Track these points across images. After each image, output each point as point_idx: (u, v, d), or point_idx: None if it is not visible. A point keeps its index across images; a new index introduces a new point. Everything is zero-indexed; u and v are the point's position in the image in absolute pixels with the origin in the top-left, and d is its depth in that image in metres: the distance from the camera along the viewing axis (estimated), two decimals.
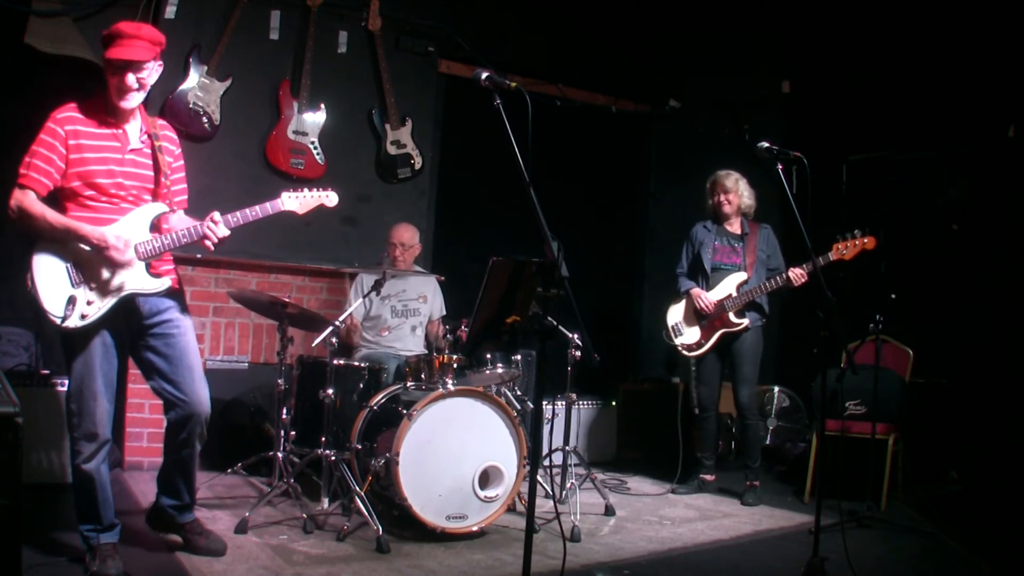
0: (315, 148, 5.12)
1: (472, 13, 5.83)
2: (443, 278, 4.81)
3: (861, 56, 5.79)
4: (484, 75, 2.53)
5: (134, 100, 2.90)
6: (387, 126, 5.41)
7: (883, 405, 4.49)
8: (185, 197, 3.16)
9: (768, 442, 5.76)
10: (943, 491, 4.93)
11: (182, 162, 3.15)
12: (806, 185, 3.21)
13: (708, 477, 4.90)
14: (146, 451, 4.66)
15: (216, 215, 2.97)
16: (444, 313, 4.93)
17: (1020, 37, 5.11)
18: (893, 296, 4.62)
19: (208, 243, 2.96)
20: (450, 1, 5.71)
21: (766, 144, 3.38)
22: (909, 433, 4.73)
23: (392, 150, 5.43)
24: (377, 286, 4.20)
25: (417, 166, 5.50)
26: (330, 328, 3.90)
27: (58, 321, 2.78)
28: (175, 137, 3.14)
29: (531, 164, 2.44)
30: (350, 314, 4.53)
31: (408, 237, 4.78)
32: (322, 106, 5.15)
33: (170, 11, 4.70)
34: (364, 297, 4.50)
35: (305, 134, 5.10)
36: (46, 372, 4.21)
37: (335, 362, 3.90)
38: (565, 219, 5.08)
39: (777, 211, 5.17)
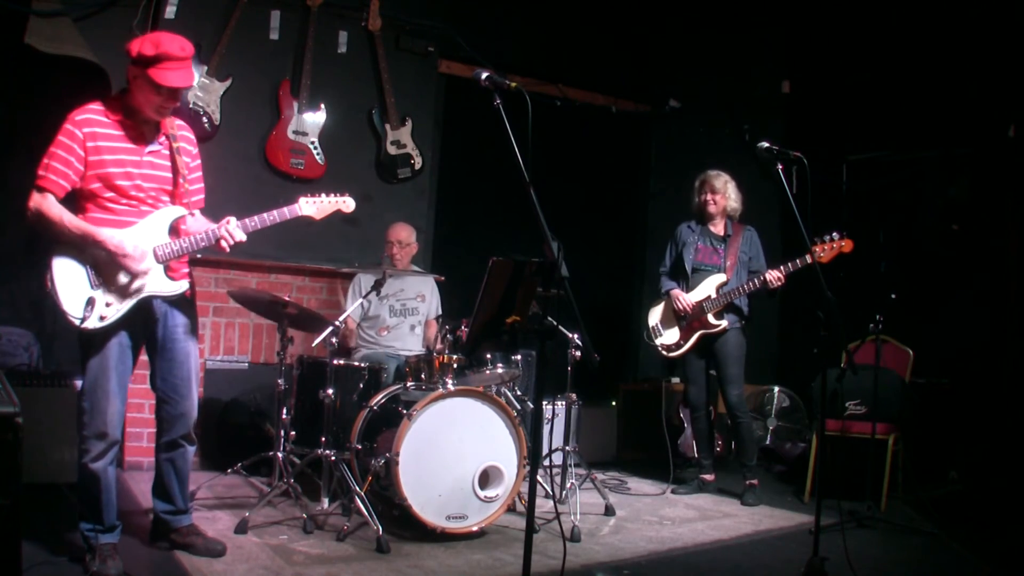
0: (315, 148, 5.12)
1: (472, 13, 5.83)
2: (442, 278, 4.81)
3: (861, 56, 5.79)
4: (484, 75, 2.53)
5: (167, 114, 2.97)
6: (387, 126, 5.41)
7: (883, 405, 4.48)
8: (202, 196, 3.19)
9: (768, 442, 5.76)
10: (943, 491, 4.93)
11: (199, 162, 3.17)
12: (806, 185, 3.21)
13: (708, 477, 4.90)
14: (146, 451, 4.65)
15: (232, 220, 3.00)
16: (440, 313, 4.92)
17: (1020, 37, 5.11)
18: (893, 296, 4.62)
19: (224, 244, 2.99)
20: (450, 1, 5.70)
21: (766, 144, 3.38)
22: (909, 433, 4.73)
23: (392, 150, 5.44)
24: (377, 286, 4.20)
25: (417, 166, 5.50)
26: (330, 328, 3.91)
27: (77, 322, 2.81)
28: (192, 137, 3.15)
29: (531, 164, 2.44)
30: (348, 315, 4.53)
31: (405, 235, 4.79)
32: (322, 106, 5.15)
33: (170, 11, 4.70)
34: (364, 297, 4.50)
35: (305, 134, 5.10)
36: (46, 372, 4.21)
37: (335, 362, 3.90)
38: (565, 219, 5.07)
39: (777, 211, 5.18)
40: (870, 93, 5.76)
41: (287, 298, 3.89)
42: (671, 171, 6.92)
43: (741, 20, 6.35)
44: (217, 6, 4.87)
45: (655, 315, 4.94)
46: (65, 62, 4.44)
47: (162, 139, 3.00)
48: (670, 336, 4.83)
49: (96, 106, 2.90)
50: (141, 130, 2.95)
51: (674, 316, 4.81)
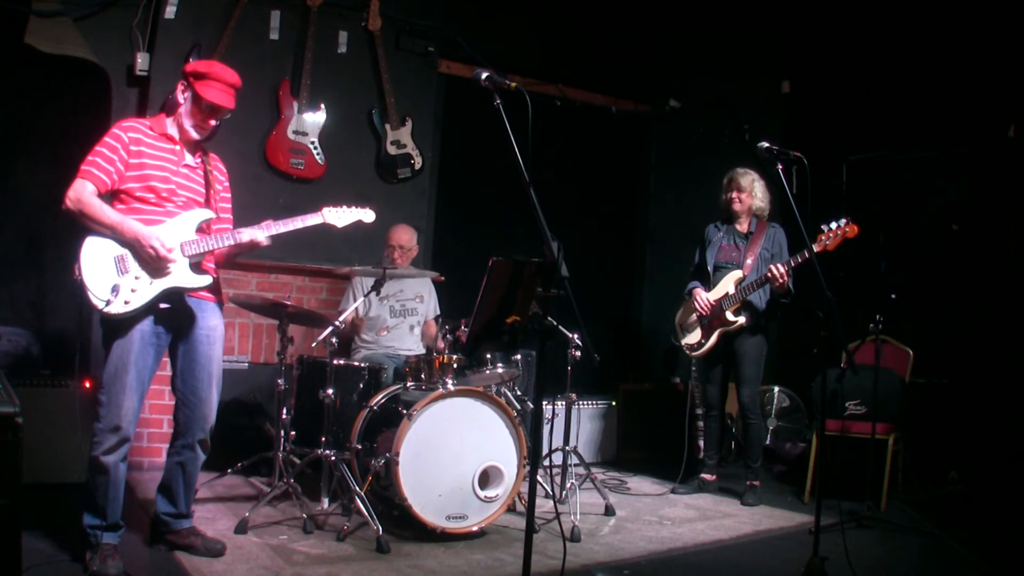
0: (315, 148, 5.12)
1: (472, 13, 5.83)
2: (441, 278, 4.81)
3: (861, 56, 5.80)
4: (484, 75, 2.53)
5: (204, 135, 3.14)
6: (387, 126, 5.41)
7: (883, 405, 4.49)
8: (230, 220, 3.31)
9: (768, 442, 5.76)
10: (943, 491, 4.93)
11: (230, 195, 3.33)
12: (806, 185, 3.21)
13: (708, 477, 4.90)
14: (146, 451, 4.66)
15: (270, 222, 3.16)
16: (439, 313, 4.93)
17: (1020, 37, 5.12)
18: (893, 296, 4.62)
19: (263, 241, 3.14)
20: (450, 1, 5.70)
21: (766, 144, 3.38)
22: (909, 433, 4.73)
23: (392, 150, 5.44)
24: (377, 286, 4.20)
25: (417, 166, 5.50)
26: (330, 328, 3.91)
27: (101, 305, 2.86)
28: (224, 169, 3.33)
29: (531, 164, 2.44)
30: (351, 312, 4.53)
31: (407, 239, 4.78)
32: (322, 106, 5.15)
33: (170, 11, 4.69)
34: (364, 297, 4.50)
35: (305, 134, 5.10)
36: (46, 372, 4.21)
37: (335, 362, 3.89)
38: (565, 219, 5.09)
39: (777, 211, 5.18)
40: (870, 93, 5.76)
41: (287, 298, 3.89)
42: (671, 171, 6.93)
43: (741, 20, 6.35)
44: (217, 6, 4.86)
45: (680, 315, 4.95)
46: (65, 62, 4.45)
47: (198, 159, 3.19)
48: (693, 335, 4.82)
49: (141, 120, 3.14)
50: (180, 147, 3.13)
51: (697, 315, 4.81)
